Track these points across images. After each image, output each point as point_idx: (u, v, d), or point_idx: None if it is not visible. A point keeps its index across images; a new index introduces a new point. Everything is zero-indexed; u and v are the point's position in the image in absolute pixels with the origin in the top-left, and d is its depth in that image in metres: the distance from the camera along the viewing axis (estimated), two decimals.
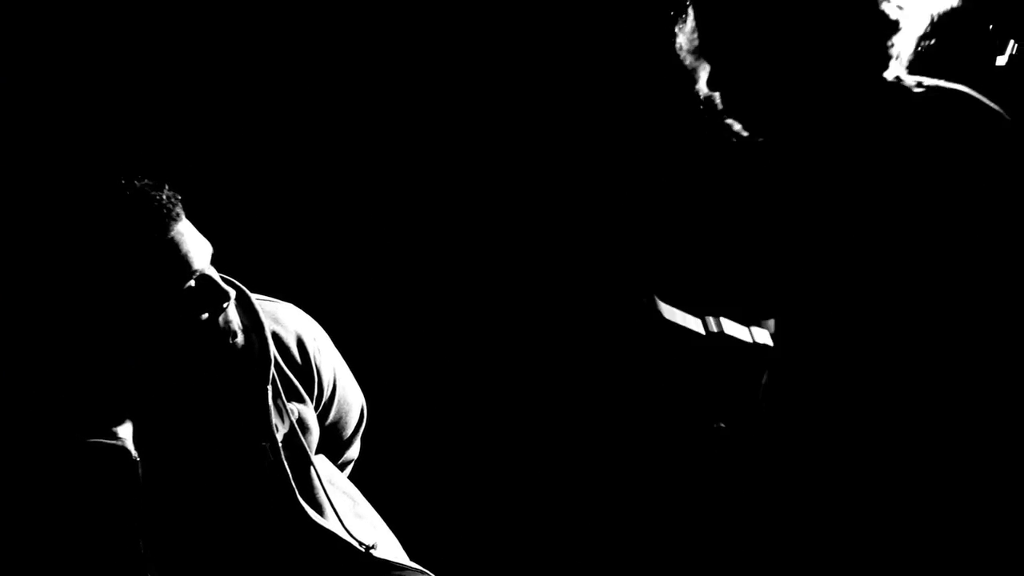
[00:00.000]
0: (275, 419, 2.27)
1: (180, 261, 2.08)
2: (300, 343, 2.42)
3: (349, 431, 2.63)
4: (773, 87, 2.04)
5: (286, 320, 2.43)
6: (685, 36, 2.19)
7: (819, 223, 2.07)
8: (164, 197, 2.08)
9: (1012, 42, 2.23)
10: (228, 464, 2.23)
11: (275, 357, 2.34)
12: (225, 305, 2.14)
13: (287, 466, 2.24)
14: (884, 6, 2.01)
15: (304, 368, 2.42)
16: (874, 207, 1.97)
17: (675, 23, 2.19)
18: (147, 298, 2.05)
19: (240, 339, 2.19)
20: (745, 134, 2.15)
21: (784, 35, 2.01)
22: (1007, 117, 1.92)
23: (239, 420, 2.23)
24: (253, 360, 2.26)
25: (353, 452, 2.71)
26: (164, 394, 2.17)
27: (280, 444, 2.26)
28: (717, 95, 2.14)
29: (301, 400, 2.39)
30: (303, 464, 2.32)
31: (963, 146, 1.89)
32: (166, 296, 2.07)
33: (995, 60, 2.22)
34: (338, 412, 2.55)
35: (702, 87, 2.17)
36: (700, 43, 2.14)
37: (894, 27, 2.02)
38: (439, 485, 3.34)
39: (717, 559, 2.44)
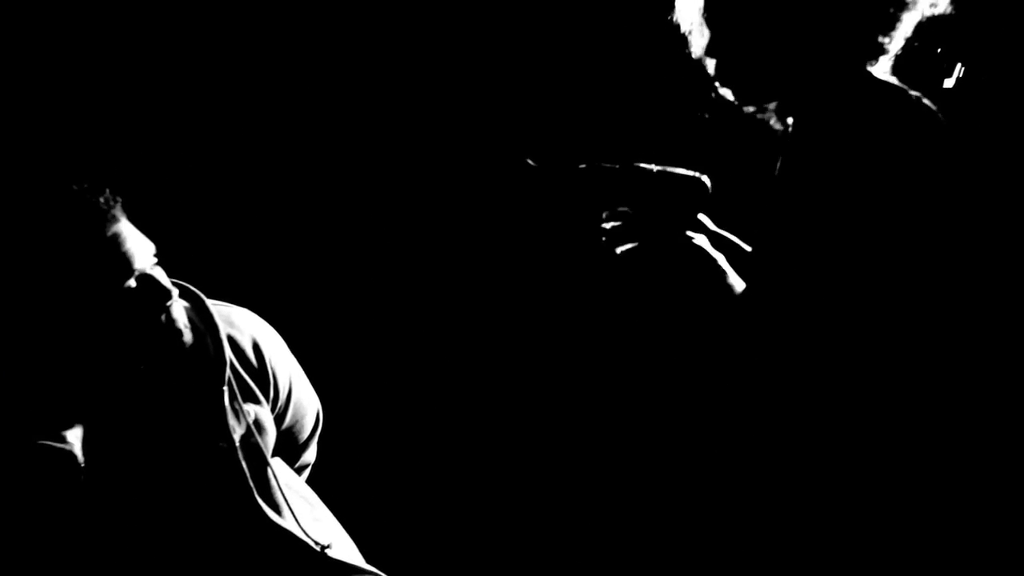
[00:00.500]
0: (231, 420, 2.30)
1: (119, 260, 2.11)
2: (255, 346, 2.45)
3: (305, 435, 2.65)
4: (767, 60, 2.17)
5: (241, 323, 2.46)
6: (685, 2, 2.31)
7: (794, 197, 2.18)
8: (102, 199, 2.11)
9: (959, 65, 2.29)
10: (185, 465, 2.24)
11: (230, 359, 2.37)
12: (168, 304, 2.17)
13: (245, 466, 2.27)
14: (889, 4, 2.14)
15: (260, 371, 2.44)
16: (835, 189, 2.08)
17: None
18: (88, 297, 2.08)
19: (188, 338, 2.22)
20: (731, 101, 2.26)
21: (786, 11, 2.13)
22: (945, 126, 2.06)
23: (195, 421, 2.25)
24: (208, 362, 2.29)
25: (309, 456, 2.73)
26: (114, 396, 2.19)
27: (237, 445, 2.28)
28: (710, 62, 2.27)
29: (257, 402, 2.41)
30: (260, 465, 2.34)
31: (909, 144, 2.03)
32: (106, 295, 2.09)
33: (942, 82, 2.29)
34: (294, 416, 2.57)
35: (696, 51, 2.29)
36: (704, 10, 2.24)
37: (891, 24, 2.15)
38: (395, 489, 3.35)
39: (697, 555, 2.51)
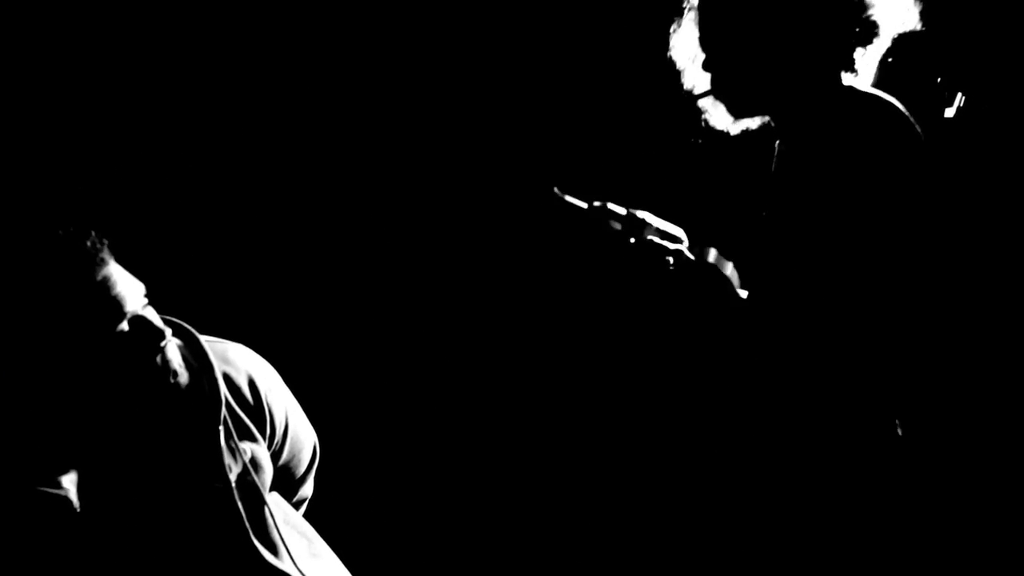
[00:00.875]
0: (228, 459, 2.27)
1: (110, 304, 2.09)
2: (251, 383, 2.42)
3: (302, 469, 2.62)
4: (758, 75, 2.29)
5: (236, 360, 2.43)
6: (679, 32, 2.42)
7: (778, 206, 2.28)
8: (89, 242, 2.09)
9: (960, 95, 2.30)
10: (180, 506, 2.22)
11: (226, 397, 2.34)
12: (162, 344, 2.15)
13: (241, 507, 2.24)
14: (871, 14, 2.26)
15: (256, 408, 2.41)
16: (816, 196, 2.16)
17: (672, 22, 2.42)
18: (79, 343, 2.06)
19: (184, 378, 2.19)
20: (720, 117, 2.39)
21: (775, 27, 2.26)
22: (918, 130, 2.16)
23: (191, 461, 2.23)
24: (203, 400, 2.26)
25: (307, 490, 2.70)
26: (109, 438, 2.17)
27: (233, 485, 2.26)
28: (697, 82, 2.39)
29: (254, 439, 2.38)
30: (257, 504, 2.32)
31: (882, 148, 2.13)
32: (99, 340, 2.07)
33: (943, 112, 2.30)
34: (291, 451, 2.55)
35: (687, 77, 2.41)
36: (700, 29, 2.36)
37: (868, 38, 2.28)
38: (394, 522, 3.33)
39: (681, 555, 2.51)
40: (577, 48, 3.37)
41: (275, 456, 2.49)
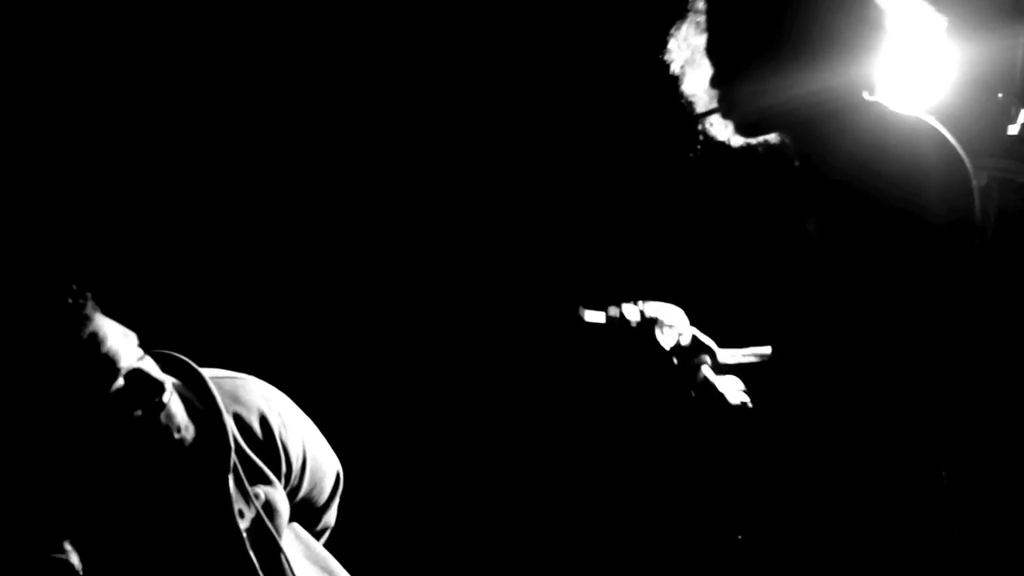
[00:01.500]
0: (239, 506, 2.16)
1: (102, 362, 1.97)
2: (264, 421, 2.30)
3: (324, 498, 2.51)
4: (772, 92, 2.13)
5: (247, 398, 2.31)
6: (679, 38, 2.30)
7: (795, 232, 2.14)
8: (71, 298, 1.95)
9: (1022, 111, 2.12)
10: (190, 561, 2.11)
11: (237, 440, 2.22)
12: (163, 398, 2.02)
13: (254, 557, 2.13)
14: (889, 26, 2.11)
15: (269, 448, 2.29)
16: (840, 223, 2.03)
17: (671, 28, 2.31)
18: (74, 407, 1.94)
19: (190, 433, 2.08)
20: (724, 135, 2.27)
21: (794, 35, 2.11)
22: (959, 150, 2.01)
23: (199, 514, 2.12)
24: (211, 449, 2.14)
25: (330, 519, 2.59)
26: (112, 498, 2.06)
27: (244, 535, 2.14)
28: (699, 96, 2.28)
29: (267, 482, 2.27)
30: (271, 551, 2.20)
31: (921, 170, 1.97)
32: (95, 401, 1.95)
33: (1007, 129, 2.12)
34: (311, 482, 2.43)
35: (688, 88, 2.29)
36: (708, 41, 2.22)
37: (871, 49, 2.11)
38: (420, 545, 3.24)
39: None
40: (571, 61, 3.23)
41: (293, 492, 2.38)
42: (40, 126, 2.91)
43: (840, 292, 1.97)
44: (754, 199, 2.20)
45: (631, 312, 2.29)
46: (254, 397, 2.32)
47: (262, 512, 2.19)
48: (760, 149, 2.23)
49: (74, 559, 2.00)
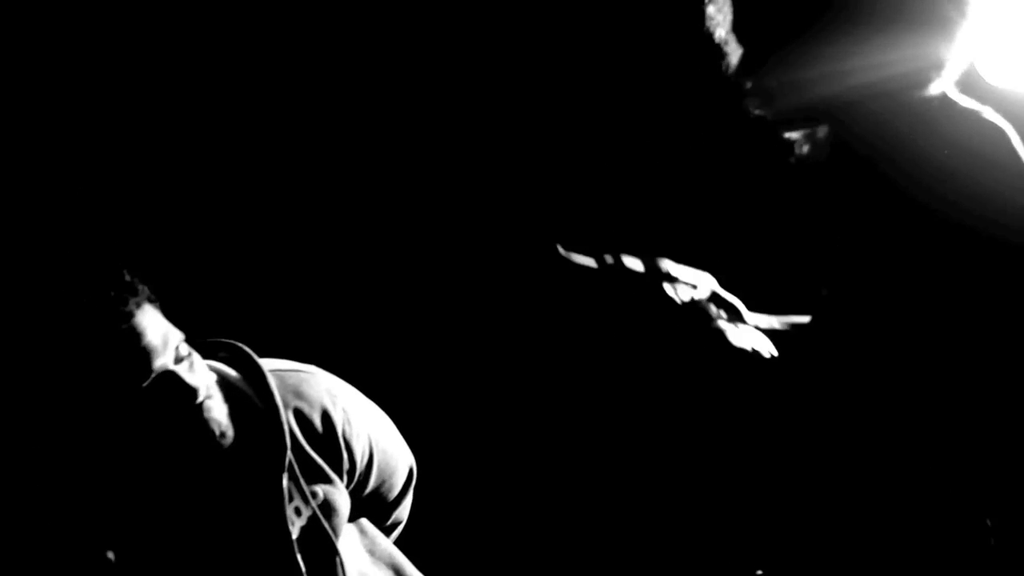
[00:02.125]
0: (297, 503, 2.13)
1: (135, 357, 1.94)
2: (326, 417, 2.26)
3: (395, 493, 2.47)
4: (809, 81, 1.84)
5: (310, 393, 2.26)
6: (718, 3, 1.99)
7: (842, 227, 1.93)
8: (115, 290, 1.93)
9: None
10: (240, 561, 2.09)
11: (296, 437, 2.19)
12: (198, 402, 1.99)
13: (301, 562, 2.10)
14: (946, 7, 1.80)
15: (330, 444, 2.25)
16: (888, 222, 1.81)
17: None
18: (104, 398, 1.92)
19: (229, 437, 2.03)
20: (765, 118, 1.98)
21: (844, 13, 1.80)
22: None
23: (250, 513, 2.09)
24: (266, 446, 2.11)
25: (402, 513, 2.55)
26: (151, 496, 2.04)
27: (298, 533, 2.12)
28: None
29: (327, 480, 2.23)
30: (327, 551, 2.17)
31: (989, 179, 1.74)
32: (124, 396, 1.93)
33: None
34: (379, 478, 2.39)
35: (732, 61, 1.98)
36: (735, 24, 1.94)
37: (951, 34, 1.81)
38: (497, 542, 3.19)
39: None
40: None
41: (360, 487, 2.34)
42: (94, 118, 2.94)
43: (905, 308, 1.79)
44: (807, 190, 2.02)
45: (632, 262, 2.06)
46: (317, 392, 2.28)
47: (319, 512, 2.16)
48: (807, 144, 1.97)
49: (112, 557, 1.99)
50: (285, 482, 2.10)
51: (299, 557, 2.09)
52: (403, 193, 3.15)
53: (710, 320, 2.05)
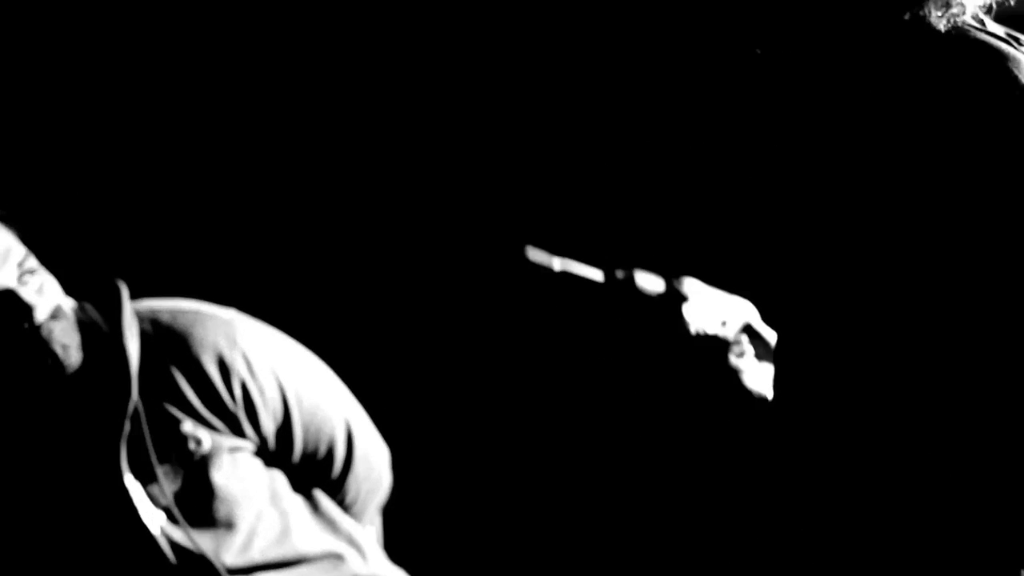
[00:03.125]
0: (155, 452, 1.96)
1: None
2: (221, 362, 2.05)
3: (338, 461, 2.21)
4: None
5: (203, 336, 2.07)
6: None
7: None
8: None
9: None
10: (71, 505, 1.96)
11: (174, 381, 2.02)
12: (42, 322, 1.89)
13: (141, 511, 1.94)
14: None
15: (226, 392, 2.05)
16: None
17: None
18: None
19: (72, 360, 1.92)
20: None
21: None
22: None
23: (84, 455, 1.96)
24: (109, 387, 1.96)
25: (360, 486, 2.29)
26: None
27: (159, 489, 1.94)
28: None
29: (212, 428, 2.04)
30: (203, 501, 2.00)
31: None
32: None
33: None
34: (308, 438, 2.15)
35: None
36: None
37: None
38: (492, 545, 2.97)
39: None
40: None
41: (283, 446, 2.11)
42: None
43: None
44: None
45: (648, 280, 1.90)
46: (213, 335, 2.08)
47: (193, 459, 1.98)
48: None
49: None
50: (127, 427, 1.95)
51: (142, 510, 1.95)
52: (394, 192, 3.01)
53: (726, 356, 1.85)
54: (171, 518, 1.97)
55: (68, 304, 1.97)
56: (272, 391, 2.09)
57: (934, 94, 1.43)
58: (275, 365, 2.11)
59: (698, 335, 1.81)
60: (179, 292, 2.22)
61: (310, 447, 2.15)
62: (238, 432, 2.05)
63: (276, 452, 2.11)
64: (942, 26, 1.45)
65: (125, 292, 2.04)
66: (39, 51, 2.83)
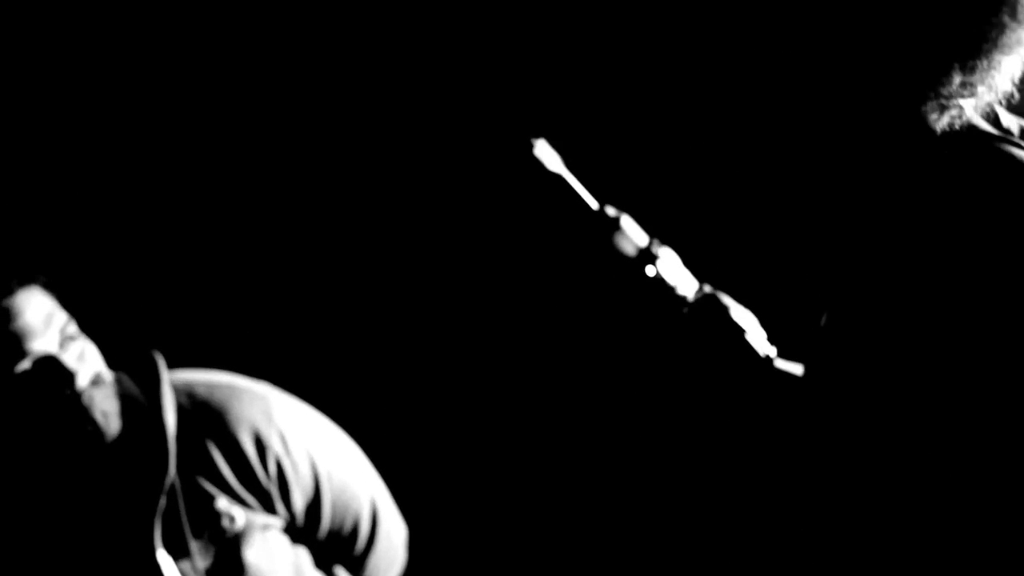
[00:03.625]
0: (193, 542, 1.96)
1: (9, 335, 1.87)
2: (257, 439, 2.05)
3: (361, 540, 2.21)
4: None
5: (240, 411, 2.07)
6: None
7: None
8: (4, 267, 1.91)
9: None
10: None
11: (210, 457, 2.01)
12: (84, 389, 1.88)
13: None
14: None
15: (261, 469, 2.05)
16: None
17: None
18: None
19: (112, 429, 1.91)
20: None
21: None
22: None
23: (120, 535, 1.94)
24: (148, 461, 1.95)
25: (378, 564, 2.29)
26: (22, 499, 1.94)
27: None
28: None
29: (246, 505, 2.03)
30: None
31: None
32: None
33: None
34: (335, 516, 2.14)
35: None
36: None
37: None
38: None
39: None
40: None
41: (311, 524, 2.11)
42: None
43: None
44: None
45: (632, 229, 1.77)
46: (249, 411, 2.07)
47: (226, 536, 1.97)
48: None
49: None
50: (162, 503, 1.94)
51: None
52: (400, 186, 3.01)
53: (727, 313, 1.77)
54: None
55: (107, 374, 1.97)
56: (305, 468, 2.09)
57: (939, 205, 1.41)
58: (308, 442, 2.11)
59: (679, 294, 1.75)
60: (209, 362, 2.24)
61: (336, 524, 2.15)
62: (270, 509, 2.04)
63: (303, 529, 2.10)
64: (939, 128, 1.45)
65: (163, 364, 2.04)
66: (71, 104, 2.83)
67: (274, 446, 2.06)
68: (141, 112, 2.84)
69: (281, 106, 2.88)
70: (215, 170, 2.90)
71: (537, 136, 1.75)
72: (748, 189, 2.73)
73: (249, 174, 2.91)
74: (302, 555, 2.11)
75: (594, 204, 1.75)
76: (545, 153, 1.75)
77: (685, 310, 1.71)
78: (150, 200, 2.85)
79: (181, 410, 2.02)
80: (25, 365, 1.88)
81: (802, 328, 1.72)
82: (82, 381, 1.89)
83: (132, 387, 2.00)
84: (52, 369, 1.88)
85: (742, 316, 1.73)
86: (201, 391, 2.06)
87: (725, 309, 1.72)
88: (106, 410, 1.91)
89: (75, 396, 1.88)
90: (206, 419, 2.03)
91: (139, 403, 1.98)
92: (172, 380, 2.06)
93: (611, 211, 1.74)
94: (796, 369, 1.77)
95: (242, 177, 2.90)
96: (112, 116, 2.84)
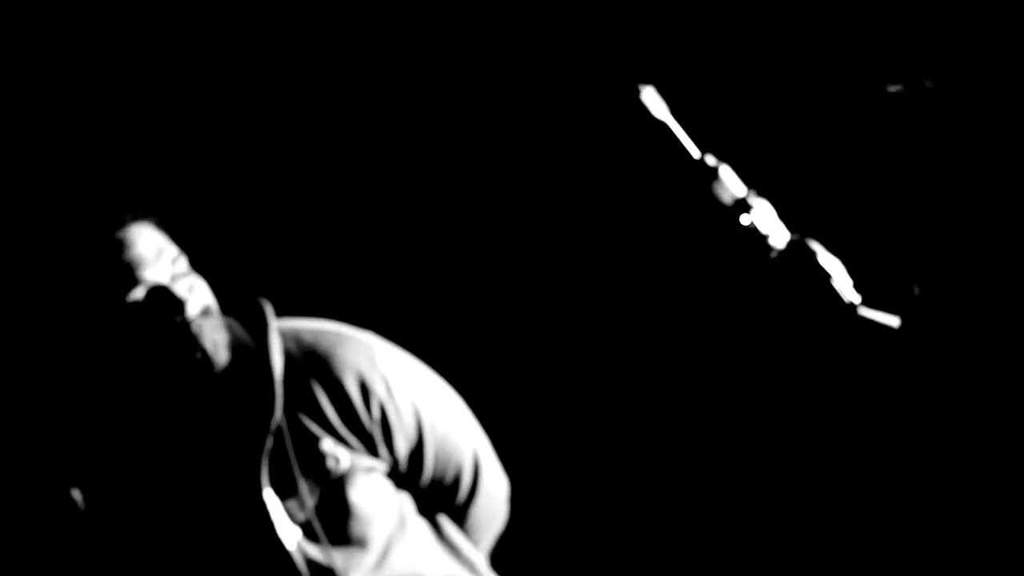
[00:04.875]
0: (300, 473, 2.00)
1: (122, 266, 1.92)
2: (362, 383, 2.09)
3: (464, 489, 2.24)
4: None
5: (345, 356, 2.10)
6: None
7: None
8: (121, 202, 1.97)
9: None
10: (209, 512, 1.99)
11: (316, 400, 2.05)
12: (193, 318, 1.93)
13: (276, 524, 1.97)
14: None
15: (365, 413, 2.09)
16: None
17: None
18: (89, 306, 1.92)
19: (221, 358, 1.95)
20: None
21: None
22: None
23: (227, 472, 1.99)
24: (257, 406, 1.99)
25: (480, 515, 2.31)
26: (127, 431, 1.99)
27: (302, 505, 1.98)
28: None
29: (352, 449, 2.07)
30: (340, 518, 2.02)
31: None
32: (106, 308, 1.91)
33: None
34: (437, 464, 2.18)
35: None
36: None
37: None
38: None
39: None
40: None
41: (413, 471, 2.15)
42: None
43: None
44: None
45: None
46: (355, 356, 2.11)
47: (331, 476, 2.02)
48: None
49: (77, 495, 1.95)
50: (269, 443, 1.98)
51: (279, 525, 1.97)
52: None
53: (814, 257, 1.77)
54: (306, 534, 2.01)
55: (216, 308, 2.02)
56: (408, 414, 2.12)
57: None
58: (412, 390, 2.15)
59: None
60: (317, 312, 2.28)
61: (438, 473, 2.18)
62: (373, 452, 2.08)
63: (406, 475, 2.14)
64: None
65: (270, 310, 2.08)
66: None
67: (378, 391, 2.09)
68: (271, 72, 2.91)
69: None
70: (325, 144, 2.96)
71: (645, 83, 1.78)
72: (853, 153, 2.72)
73: (364, 139, 2.96)
74: (406, 501, 2.15)
75: (696, 153, 1.80)
76: (652, 100, 1.79)
77: (774, 255, 1.73)
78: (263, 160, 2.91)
79: (288, 355, 2.06)
80: (138, 294, 1.92)
81: (888, 284, 1.74)
82: (192, 310, 1.93)
83: (240, 332, 2.04)
84: (163, 298, 1.92)
85: (829, 262, 1.74)
86: (308, 337, 2.10)
87: (813, 254, 1.73)
88: (216, 339, 1.95)
89: (185, 324, 1.92)
90: (312, 363, 2.06)
91: (246, 347, 2.02)
92: (280, 327, 2.10)
93: (711, 160, 1.79)
94: (879, 318, 1.77)
95: (356, 146, 2.95)
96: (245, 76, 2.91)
